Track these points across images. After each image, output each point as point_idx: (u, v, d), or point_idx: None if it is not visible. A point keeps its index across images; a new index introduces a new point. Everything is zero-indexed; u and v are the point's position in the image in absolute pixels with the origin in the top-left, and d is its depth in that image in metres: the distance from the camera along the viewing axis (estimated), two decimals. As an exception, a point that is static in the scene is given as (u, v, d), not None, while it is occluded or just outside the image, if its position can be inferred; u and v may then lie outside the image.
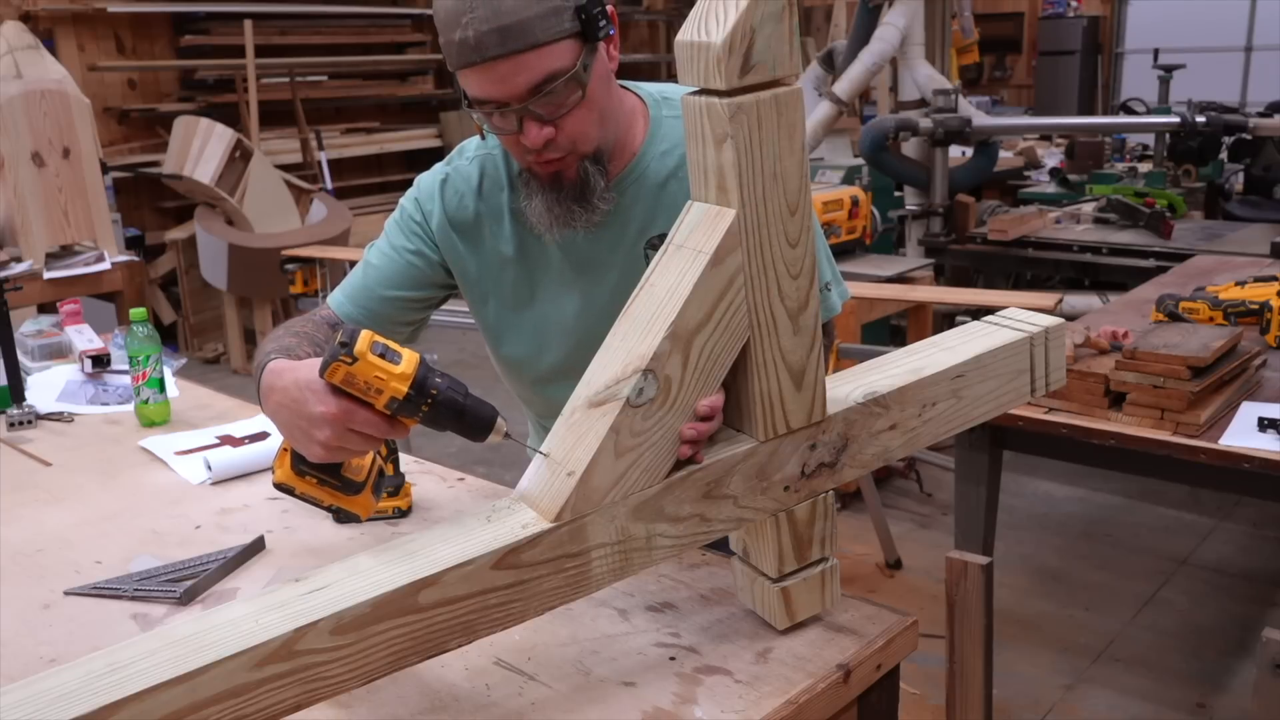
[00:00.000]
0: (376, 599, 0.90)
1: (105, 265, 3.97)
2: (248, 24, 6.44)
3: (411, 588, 0.92)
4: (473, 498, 1.57)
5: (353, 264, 5.31)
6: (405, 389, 0.98)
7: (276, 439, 1.79)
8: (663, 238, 1.36)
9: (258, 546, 1.43)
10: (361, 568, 0.95)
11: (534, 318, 1.46)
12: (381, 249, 1.47)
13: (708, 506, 1.05)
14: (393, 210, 1.50)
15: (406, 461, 1.61)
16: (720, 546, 1.21)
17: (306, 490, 1.12)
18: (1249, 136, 4.89)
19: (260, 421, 1.93)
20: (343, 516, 1.16)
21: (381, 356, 0.98)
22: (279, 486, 1.13)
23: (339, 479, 1.11)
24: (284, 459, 1.12)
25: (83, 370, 2.19)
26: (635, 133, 1.39)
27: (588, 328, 1.43)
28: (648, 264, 1.36)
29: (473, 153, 1.45)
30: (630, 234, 1.39)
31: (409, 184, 1.50)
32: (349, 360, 0.98)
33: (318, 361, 1.03)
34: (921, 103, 4.80)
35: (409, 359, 0.99)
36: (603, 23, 1.22)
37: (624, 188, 1.37)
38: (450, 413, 1.00)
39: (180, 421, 1.95)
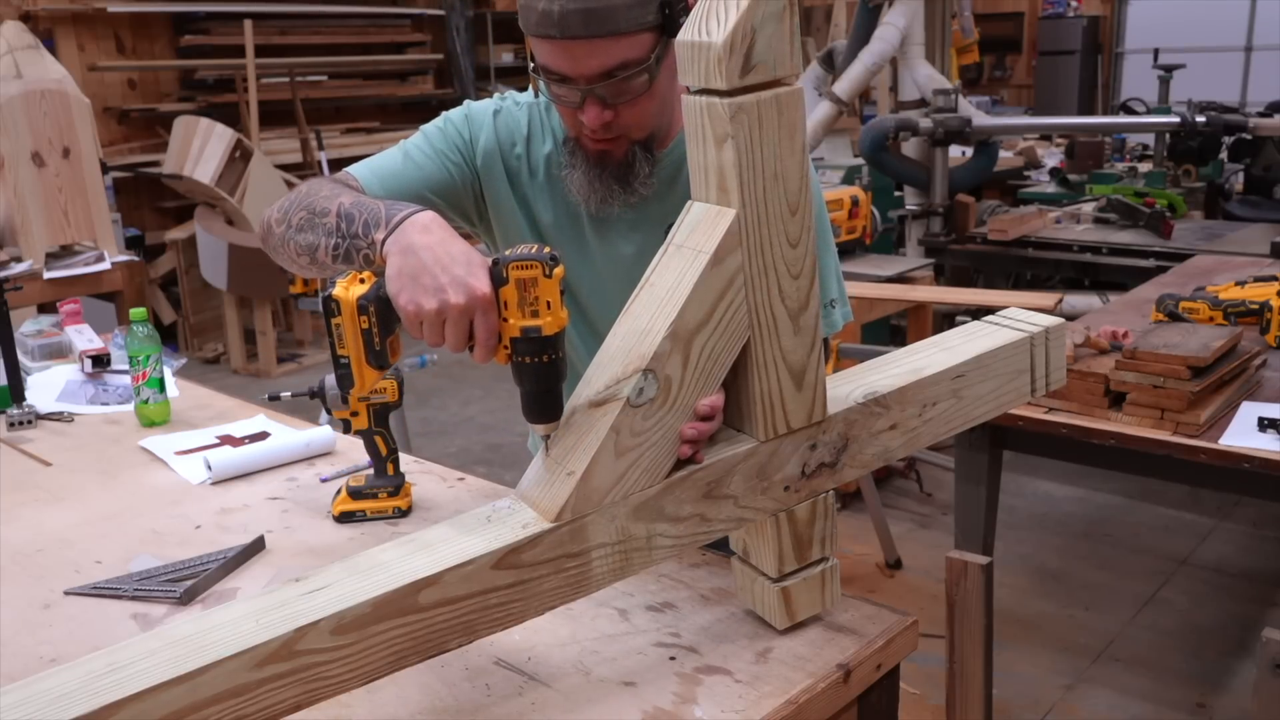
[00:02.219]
0: (377, 599, 0.90)
1: (105, 265, 3.97)
2: (248, 24, 6.44)
3: (412, 588, 0.92)
4: (473, 498, 1.57)
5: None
6: (553, 332, 0.98)
7: (277, 439, 1.79)
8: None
9: (258, 546, 1.43)
10: (362, 567, 0.95)
11: None
12: (422, 148, 1.40)
13: (708, 506, 1.05)
14: None
15: (406, 461, 1.61)
16: (720, 546, 1.21)
17: (347, 324, 1.07)
18: (1249, 136, 4.89)
19: (260, 421, 1.93)
20: (343, 379, 1.10)
21: (562, 294, 0.98)
22: (329, 299, 1.08)
23: (382, 344, 1.08)
24: (354, 284, 1.08)
25: (83, 370, 2.19)
26: (680, 115, 1.41)
27: (595, 293, 1.44)
28: None
29: (521, 100, 1.45)
30: (656, 213, 1.39)
31: None
32: (547, 271, 0.97)
33: (476, 251, 1.01)
34: (921, 103, 4.80)
35: (565, 315, 1.00)
36: (683, 19, 1.22)
37: (660, 167, 1.38)
38: (544, 382, 1.00)
39: (180, 421, 1.95)
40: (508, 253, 1.00)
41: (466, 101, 1.46)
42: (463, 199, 1.43)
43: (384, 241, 1.07)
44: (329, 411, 1.53)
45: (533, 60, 1.27)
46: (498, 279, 0.99)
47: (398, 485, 1.51)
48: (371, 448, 1.51)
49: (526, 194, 1.43)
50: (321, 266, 1.21)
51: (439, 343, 1.01)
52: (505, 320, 1.00)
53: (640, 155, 1.32)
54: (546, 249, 0.99)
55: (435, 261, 1.01)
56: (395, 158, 1.40)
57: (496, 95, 1.47)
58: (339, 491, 1.52)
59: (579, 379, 1.06)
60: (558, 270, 0.98)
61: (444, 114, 1.44)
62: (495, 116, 1.43)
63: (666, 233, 1.38)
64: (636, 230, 1.40)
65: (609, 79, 1.22)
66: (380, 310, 1.06)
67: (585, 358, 1.45)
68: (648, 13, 1.20)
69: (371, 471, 1.52)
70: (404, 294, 1.01)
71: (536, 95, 1.42)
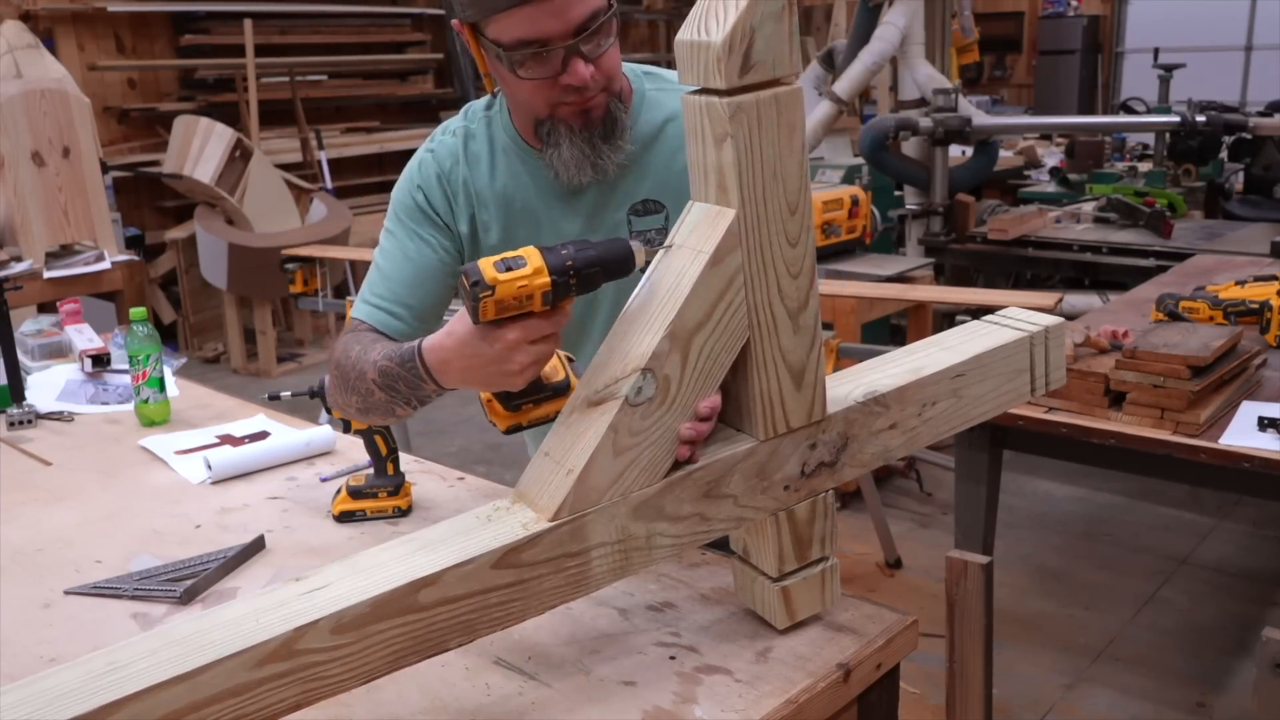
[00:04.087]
0: (376, 598, 0.90)
1: (105, 265, 3.97)
2: (248, 23, 6.44)
3: (411, 587, 0.92)
4: (473, 497, 1.57)
5: (353, 264, 5.27)
6: (548, 278, 1.01)
7: (277, 439, 1.80)
8: (645, 203, 1.37)
9: (258, 546, 1.43)
10: (361, 567, 0.95)
11: None
12: (397, 248, 1.42)
13: (708, 506, 1.05)
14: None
15: (406, 461, 1.61)
16: (720, 546, 1.21)
17: (533, 418, 1.18)
18: (1249, 136, 4.89)
19: (260, 421, 1.93)
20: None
21: (509, 269, 1.00)
22: (510, 431, 1.18)
23: (548, 389, 1.17)
24: (495, 408, 1.18)
25: (83, 370, 2.19)
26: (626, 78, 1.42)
27: None
28: (630, 229, 1.36)
29: (452, 128, 1.45)
30: (616, 198, 1.40)
31: None
32: (490, 293, 1.00)
33: (464, 315, 1.06)
34: (921, 102, 4.80)
35: (529, 255, 1.01)
36: None
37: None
38: (595, 270, 1.03)
39: (180, 421, 1.95)
40: (469, 314, 1.03)
41: (404, 173, 1.46)
42: (461, 253, 1.43)
43: (440, 386, 1.16)
44: (329, 411, 1.53)
45: (499, 47, 1.24)
46: (482, 315, 1.01)
47: (398, 485, 1.51)
48: (371, 447, 1.51)
49: (478, 210, 1.42)
50: (413, 410, 1.28)
51: (541, 365, 1.08)
52: (530, 315, 1.02)
53: (618, 106, 1.33)
54: (464, 281, 1.00)
55: (479, 370, 1.08)
56: (381, 273, 1.41)
57: (424, 144, 1.47)
58: (339, 491, 1.52)
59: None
60: (486, 276, 0.99)
61: (390, 204, 1.45)
62: (433, 158, 1.43)
63: (629, 213, 1.38)
64: (595, 216, 1.40)
65: (586, 30, 1.23)
66: (520, 394, 1.16)
67: (578, 346, 1.46)
68: None
69: (371, 471, 1.52)
70: (508, 387, 1.10)
71: (493, 94, 1.42)
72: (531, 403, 1.17)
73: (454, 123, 1.46)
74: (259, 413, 1.98)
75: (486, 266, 0.99)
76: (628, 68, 1.44)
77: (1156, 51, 6.81)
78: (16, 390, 2.01)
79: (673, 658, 1.12)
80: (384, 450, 1.51)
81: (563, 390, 1.17)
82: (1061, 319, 1.27)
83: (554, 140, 1.34)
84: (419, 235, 1.41)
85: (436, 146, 1.44)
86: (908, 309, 4.27)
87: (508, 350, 1.04)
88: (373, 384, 1.24)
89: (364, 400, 1.27)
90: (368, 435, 1.50)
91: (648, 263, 1.06)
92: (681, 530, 1.04)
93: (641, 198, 1.39)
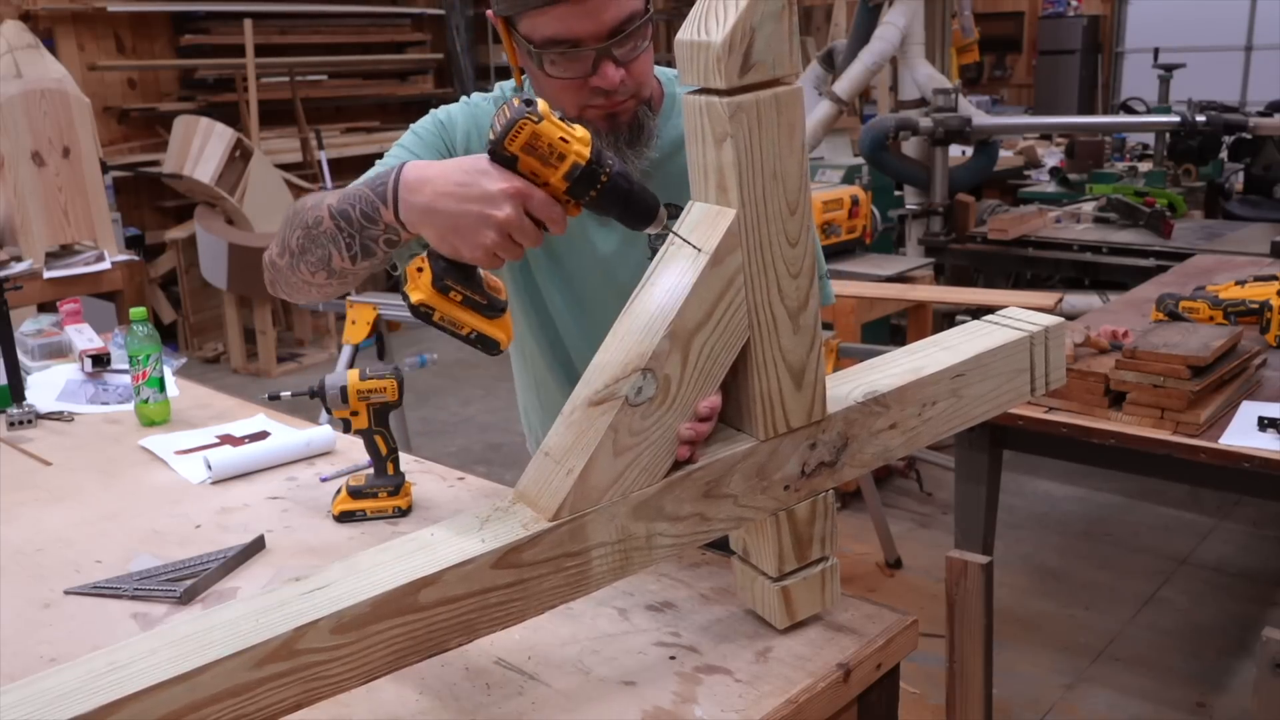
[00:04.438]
0: (376, 598, 0.90)
1: (105, 265, 3.97)
2: (247, 23, 6.45)
3: (411, 587, 0.92)
4: (473, 497, 1.57)
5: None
6: (588, 153, 0.96)
7: (277, 439, 1.79)
8: (668, 206, 1.37)
9: (258, 546, 1.43)
10: (361, 567, 0.95)
11: (540, 274, 1.45)
12: (395, 155, 1.36)
13: (708, 506, 1.05)
14: None
15: (406, 461, 1.61)
16: (720, 546, 1.21)
17: (448, 312, 1.03)
18: (1249, 136, 4.89)
19: (260, 421, 1.93)
20: (483, 345, 1.05)
21: (563, 120, 0.95)
22: (417, 308, 1.02)
23: (484, 296, 1.03)
24: (420, 278, 1.02)
25: (83, 370, 2.19)
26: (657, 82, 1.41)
27: (582, 291, 1.44)
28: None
29: (489, 97, 1.43)
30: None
31: None
32: (535, 119, 0.93)
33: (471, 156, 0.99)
34: (921, 102, 4.80)
35: (582, 130, 0.96)
36: None
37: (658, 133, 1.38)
38: (620, 194, 0.98)
39: (180, 421, 1.95)
40: (492, 135, 0.98)
41: (443, 110, 1.43)
42: None
43: (399, 219, 1.08)
44: (329, 411, 1.53)
45: (530, 44, 1.24)
46: (508, 163, 0.97)
47: (398, 485, 1.51)
48: (371, 447, 1.51)
49: None
50: (342, 275, 1.20)
51: (520, 255, 1.02)
52: (547, 184, 0.98)
53: (646, 113, 1.33)
54: (515, 100, 0.96)
55: (457, 201, 1.01)
56: (399, 158, 1.37)
57: (462, 100, 1.45)
58: (339, 491, 1.52)
59: (573, 364, 1.06)
60: (541, 106, 0.95)
61: (417, 125, 1.41)
62: (469, 109, 1.41)
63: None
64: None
65: (620, 34, 1.22)
66: (458, 277, 1.03)
67: (582, 344, 1.45)
68: None
69: (371, 471, 1.52)
70: (464, 249, 1.02)
71: (521, 88, 1.41)
72: (460, 294, 1.02)
73: (488, 94, 1.44)
74: (259, 413, 1.98)
75: (544, 103, 0.95)
76: (660, 70, 1.43)
77: (1156, 51, 6.81)
78: (16, 390, 2.01)
79: (673, 658, 1.12)
80: (384, 450, 1.51)
81: (495, 310, 1.05)
82: (1061, 319, 1.27)
83: None
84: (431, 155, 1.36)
85: (475, 102, 1.42)
86: (908, 309, 4.28)
87: (503, 196, 0.97)
88: (327, 210, 1.14)
89: (306, 234, 1.17)
90: (368, 435, 1.50)
91: (658, 236, 1.02)
92: (681, 530, 1.04)
93: (666, 200, 1.38)
